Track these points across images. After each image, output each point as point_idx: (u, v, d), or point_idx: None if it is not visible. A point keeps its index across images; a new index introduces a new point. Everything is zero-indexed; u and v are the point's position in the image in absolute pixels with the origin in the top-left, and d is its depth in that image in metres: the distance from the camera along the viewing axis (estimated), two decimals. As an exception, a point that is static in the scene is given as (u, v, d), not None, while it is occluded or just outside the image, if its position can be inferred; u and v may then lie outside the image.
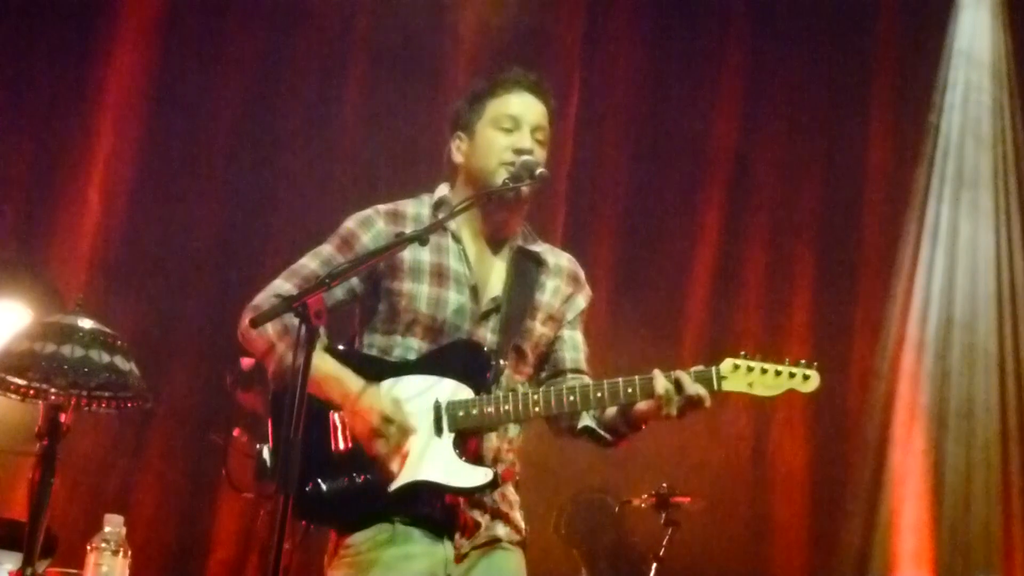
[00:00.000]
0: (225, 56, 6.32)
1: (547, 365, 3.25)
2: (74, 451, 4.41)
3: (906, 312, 6.89)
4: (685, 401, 2.96)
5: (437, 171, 3.29)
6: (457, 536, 3.01)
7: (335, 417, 3.00)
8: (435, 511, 2.98)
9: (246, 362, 4.87)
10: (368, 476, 2.95)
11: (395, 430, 2.93)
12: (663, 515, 5.62)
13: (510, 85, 3.19)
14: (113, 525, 3.63)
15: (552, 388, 3.06)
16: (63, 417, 3.54)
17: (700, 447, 6.44)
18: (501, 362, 3.07)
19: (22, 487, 4.68)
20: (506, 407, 2.99)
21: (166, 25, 6.23)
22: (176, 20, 6.24)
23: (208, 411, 5.77)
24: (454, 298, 3.10)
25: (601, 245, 6.81)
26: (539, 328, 3.19)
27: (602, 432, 3.14)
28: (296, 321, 2.62)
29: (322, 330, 2.72)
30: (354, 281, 3.06)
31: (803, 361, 3.05)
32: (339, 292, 3.04)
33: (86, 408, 3.65)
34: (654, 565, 5.59)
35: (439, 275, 3.11)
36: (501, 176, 3.08)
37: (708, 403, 2.97)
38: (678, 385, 2.96)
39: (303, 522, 3.04)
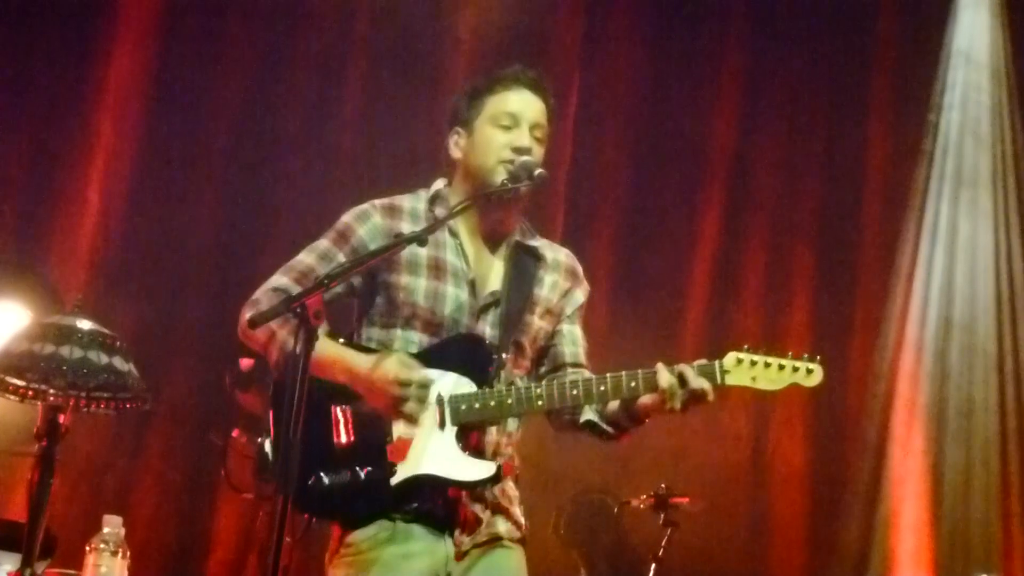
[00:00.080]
0: (225, 56, 6.32)
1: (546, 360, 3.25)
2: (73, 452, 4.41)
3: (905, 312, 6.88)
4: (689, 395, 2.96)
5: (437, 171, 3.29)
6: (457, 533, 3.01)
7: (337, 410, 3.00)
8: (437, 506, 2.99)
9: (245, 362, 4.88)
10: (371, 470, 2.96)
11: (415, 388, 2.93)
12: (662, 516, 5.62)
13: (509, 82, 3.19)
14: (112, 526, 3.63)
15: (555, 382, 3.06)
16: (62, 418, 3.55)
17: (699, 448, 6.43)
18: (502, 356, 3.07)
19: (21, 488, 4.67)
20: (509, 401, 3.00)
21: (166, 25, 6.23)
22: (176, 20, 6.24)
23: (207, 411, 5.77)
24: (452, 292, 3.10)
25: (600, 245, 6.80)
26: (537, 322, 3.19)
27: (604, 426, 3.14)
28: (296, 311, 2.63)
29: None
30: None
31: (806, 355, 3.05)
32: (337, 287, 3.03)
33: (85, 409, 3.65)
34: (653, 566, 5.58)
35: (436, 269, 3.11)
36: (499, 174, 3.09)
37: (711, 397, 2.97)
38: (682, 379, 2.96)
39: (305, 516, 3.04)
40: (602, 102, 6.97)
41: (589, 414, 3.14)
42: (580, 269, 3.34)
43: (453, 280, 3.12)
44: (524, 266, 3.20)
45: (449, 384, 3.01)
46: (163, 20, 6.23)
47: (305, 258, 3.14)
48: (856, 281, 7.01)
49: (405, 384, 2.92)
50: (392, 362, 2.94)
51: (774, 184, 7.08)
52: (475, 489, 3.02)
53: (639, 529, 6.15)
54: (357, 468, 2.96)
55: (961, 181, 7.00)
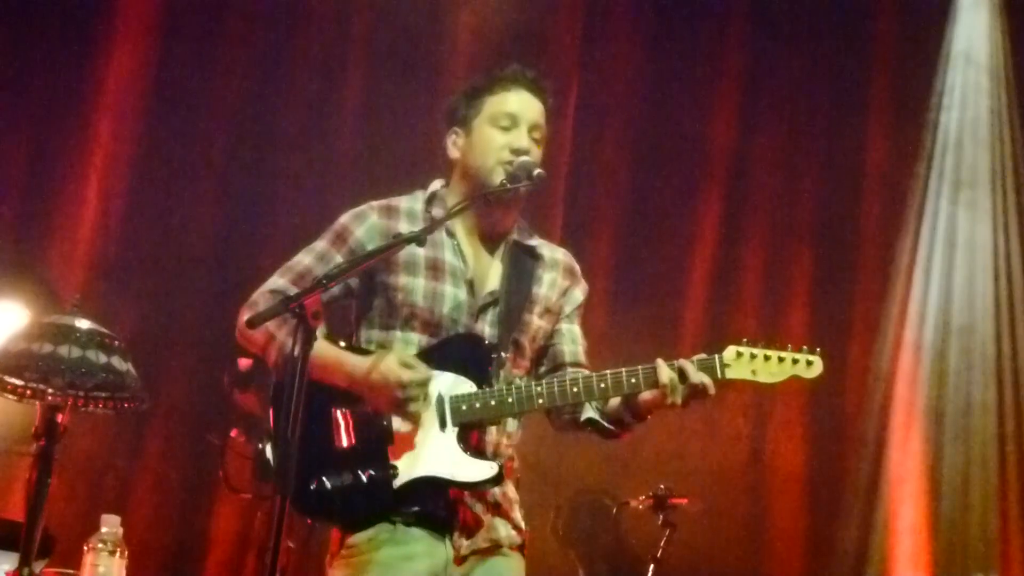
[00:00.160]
0: (224, 56, 6.31)
1: (546, 359, 3.25)
2: (71, 451, 4.41)
3: (904, 312, 6.88)
4: (690, 390, 2.96)
5: (436, 171, 3.29)
6: (457, 535, 3.01)
7: (337, 413, 3.00)
8: (438, 508, 2.98)
9: (243, 363, 4.87)
10: (372, 472, 2.96)
11: (417, 387, 2.93)
12: (660, 516, 5.61)
13: (508, 82, 3.19)
14: (110, 525, 3.63)
15: (555, 380, 3.06)
16: (60, 417, 3.55)
17: (697, 449, 6.43)
18: (502, 355, 3.07)
19: (19, 487, 4.65)
20: (509, 400, 2.99)
21: (165, 25, 6.23)
22: (175, 20, 6.23)
23: (205, 412, 5.76)
24: (451, 292, 3.10)
25: (600, 245, 6.80)
26: (536, 321, 3.19)
27: (605, 423, 3.14)
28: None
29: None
30: (349, 276, 3.07)
31: (806, 347, 3.05)
32: (334, 288, 3.03)
33: (83, 408, 3.65)
34: (651, 566, 5.57)
35: (434, 269, 3.11)
36: (498, 175, 3.09)
37: (712, 391, 2.97)
38: (682, 374, 2.96)
39: (308, 520, 3.04)
40: (601, 102, 6.97)
41: (590, 412, 3.14)
42: (578, 268, 3.34)
43: (451, 280, 3.11)
44: (523, 265, 3.20)
45: (449, 384, 3.00)
46: (162, 20, 6.22)
47: (303, 259, 3.14)
48: (855, 281, 7.01)
49: (405, 385, 2.91)
50: (392, 362, 2.94)
51: (773, 184, 7.08)
52: (476, 490, 3.01)
53: (638, 530, 6.15)
54: (359, 471, 2.96)
55: (960, 181, 7.00)
